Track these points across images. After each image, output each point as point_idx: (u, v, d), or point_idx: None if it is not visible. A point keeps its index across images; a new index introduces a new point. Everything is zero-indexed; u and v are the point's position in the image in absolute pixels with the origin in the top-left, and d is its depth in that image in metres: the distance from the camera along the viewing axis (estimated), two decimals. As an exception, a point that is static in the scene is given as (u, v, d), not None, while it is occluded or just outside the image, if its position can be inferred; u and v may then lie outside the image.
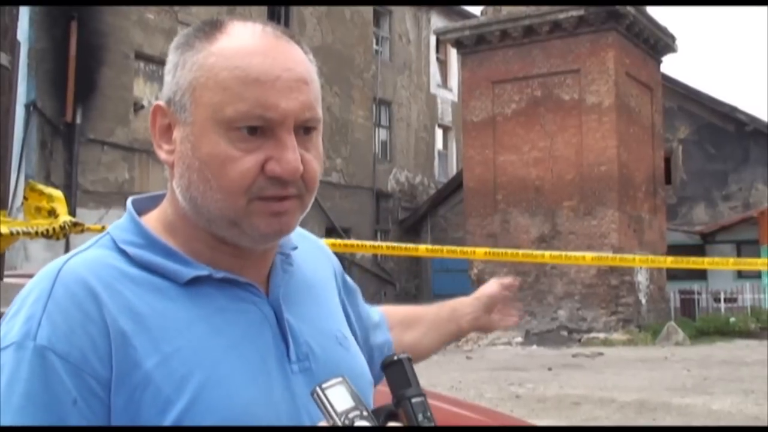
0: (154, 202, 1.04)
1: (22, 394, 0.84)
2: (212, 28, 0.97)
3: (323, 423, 0.83)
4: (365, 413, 0.83)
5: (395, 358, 0.91)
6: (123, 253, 0.95)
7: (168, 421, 0.87)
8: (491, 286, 1.52)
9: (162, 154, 0.98)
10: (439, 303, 1.55)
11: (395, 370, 0.90)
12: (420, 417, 0.86)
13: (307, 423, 0.94)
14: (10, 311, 0.91)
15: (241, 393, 0.91)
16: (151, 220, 1.00)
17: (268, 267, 1.03)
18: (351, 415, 0.82)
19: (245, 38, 0.95)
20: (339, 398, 0.83)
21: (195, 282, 0.95)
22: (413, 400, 0.87)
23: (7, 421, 0.83)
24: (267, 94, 0.91)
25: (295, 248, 1.08)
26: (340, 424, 0.81)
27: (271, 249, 1.02)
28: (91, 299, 0.88)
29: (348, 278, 1.25)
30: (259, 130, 0.92)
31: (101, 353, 0.87)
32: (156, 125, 0.98)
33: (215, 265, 0.97)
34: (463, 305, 1.52)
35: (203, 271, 0.95)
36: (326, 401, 0.83)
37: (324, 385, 0.84)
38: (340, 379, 0.85)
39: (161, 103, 0.98)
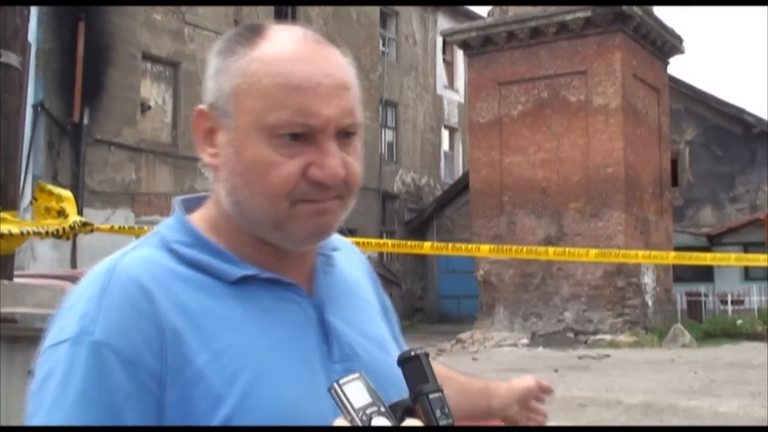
0: (199, 202, 1.06)
1: (78, 389, 0.86)
2: (253, 34, 0.98)
3: (341, 418, 0.84)
4: (382, 409, 0.83)
5: (412, 353, 0.91)
6: (173, 251, 0.97)
7: (219, 416, 0.89)
8: (528, 381, 1.49)
9: (206, 158, 1.00)
10: (469, 374, 1.53)
11: (412, 366, 0.90)
12: (438, 413, 0.87)
13: None
14: (64, 308, 0.93)
15: (289, 391, 0.93)
16: (198, 220, 1.02)
17: (309, 268, 1.05)
18: (368, 411, 0.82)
19: (286, 44, 0.96)
20: (356, 394, 0.84)
21: (242, 281, 0.97)
22: (431, 396, 0.88)
23: (62, 416, 0.86)
24: (309, 101, 0.93)
25: (336, 249, 1.11)
26: (357, 419, 0.82)
27: (311, 250, 1.04)
28: (145, 297, 0.91)
29: (388, 301, 1.26)
30: (301, 135, 0.93)
31: (154, 349, 0.89)
32: (199, 129, 1.00)
33: (259, 266, 0.99)
34: (497, 387, 1.48)
35: (250, 271, 0.97)
36: (344, 397, 0.83)
37: (341, 381, 0.84)
38: (357, 375, 0.86)
39: (204, 107, 0.99)
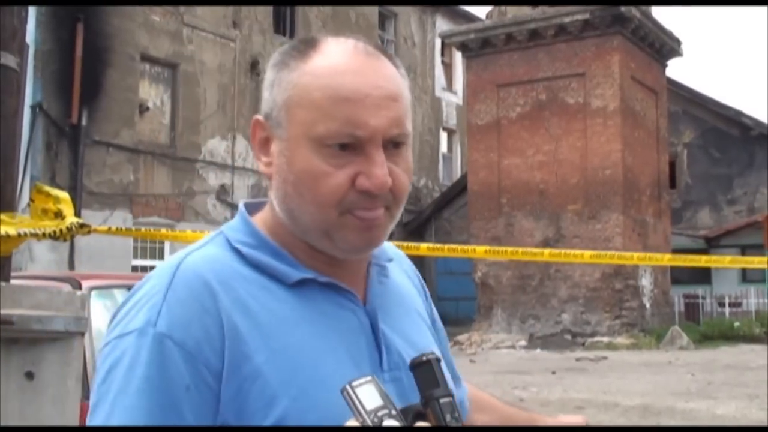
0: (259, 207, 1.09)
1: (142, 377, 0.90)
2: (306, 47, 1.01)
3: (352, 420, 0.85)
4: (394, 412, 0.84)
5: (424, 358, 0.92)
6: (236, 251, 1.01)
7: (273, 415, 0.91)
8: (577, 419, 1.42)
9: (261, 166, 1.04)
10: (515, 405, 1.50)
11: (424, 371, 0.92)
12: (448, 417, 0.88)
13: None
14: (131, 300, 0.97)
15: (341, 395, 0.93)
16: (259, 223, 1.06)
17: (363, 275, 1.08)
18: (380, 414, 0.84)
19: (337, 57, 0.99)
20: (368, 397, 0.85)
21: (300, 284, 1.00)
22: (441, 401, 0.89)
23: (127, 402, 0.89)
24: (357, 113, 0.96)
25: (391, 260, 1.14)
26: (369, 421, 0.83)
27: (365, 258, 1.07)
28: (208, 293, 0.94)
29: (436, 314, 1.28)
30: (349, 146, 0.96)
31: (215, 344, 0.92)
32: (256, 138, 1.04)
33: (316, 271, 1.02)
34: (543, 421, 1.44)
35: (309, 274, 1.01)
36: (356, 399, 0.85)
37: (354, 383, 0.86)
38: (369, 378, 0.87)
39: (260, 117, 1.04)
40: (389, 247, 1.17)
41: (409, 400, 0.97)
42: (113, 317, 0.98)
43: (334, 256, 1.02)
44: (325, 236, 0.99)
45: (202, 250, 1.01)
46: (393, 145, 0.99)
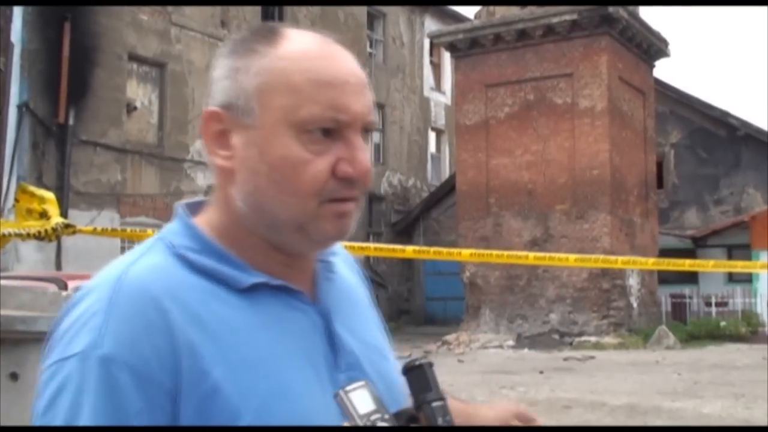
0: (199, 207, 1.03)
1: (90, 407, 0.84)
2: (272, 34, 0.97)
3: (346, 425, 0.85)
4: (387, 416, 0.85)
5: (416, 362, 0.92)
6: (180, 258, 0.94)
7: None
8: (510, 408, 1.28)
9: (218, 160, 0.96)
10: (449, 393, 1.39)
11: (416, 375, 0.92)
12: (440, 421, 0.88)
13: None
14: (69, 319, 0.90)
15: (303, 403, 0.91)
16: (203, 225, 0.99)
17: (311, 274, 1.03)
18: (373, 418, 0.84)
19: (309, 43, 0.97)
20: (361, 401, 0.85)
21: (252, 289, 0.94)
22: (434, 404, 0.89)
23: None
24: (339, 97, 0.93)
25: (334, 255, 1.09)
26: (362, 426, 0.83)
27: (313, 256, 1.03)
28: (156, 309, 0.88)
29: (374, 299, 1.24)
30: (329, 132, 0.93)
31: (166, 363, 0.86)
32: (210, 131, 0.97)
33: (268, 273, 0.97)
34: (476, 411, 1.29)
35: (261, 278, 0.95)
36: (349, 404, 0.85)
37: (347, 388, 0.86)
38: (363, 382, 0.87)
39: (216, 108, 0.96)
40: None
41: None
42: (50, 336, 0.91)
43: (294, 253, 0.98)
44: (297, 229, 0.94)
45: (144, 260, 0.93)
46: (364, 132, 0.97)
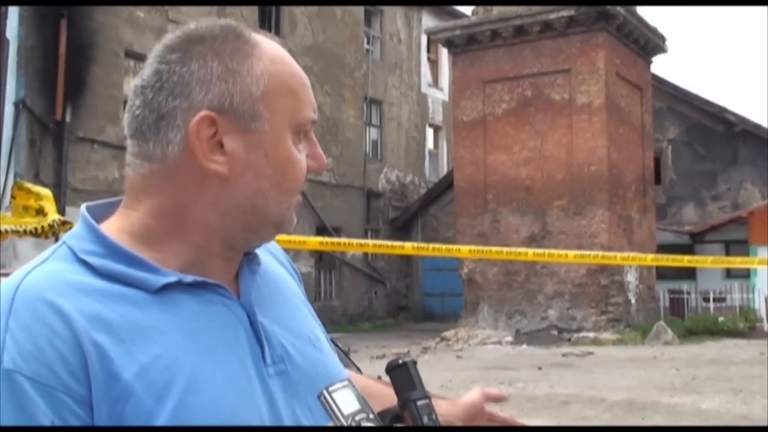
0: (111, 208, 1.00)
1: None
2: (244, 35, 0.96)
3: (330, 425, 0.84)
4: (371, 416, 0.84)
5: (400, 361, 0.92)
6: (84, 263, 0.91)
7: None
8: (473, 395, 1.30)
9: (214, 166, 0.93)
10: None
11: (400, 374, 0.91)
12: (425, 419, 0.88)
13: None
14: None
15: (225, 398, 0.89)
16: (113, 228, 0.96)
17: (236, 268, 1.01)
18: (357, 418, 0.83)
19: (276, 46, 1.00)
20: (345, 401, 0.84)
21: (164, 289, 0.92)
22: (418, 403, 0.88)
23: None
24: (312, 98, 1.00)
25: (258, 246, 1.06)
26: (346, 425, 0.82)
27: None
28: (56, 314, 0.84)
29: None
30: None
31: (74, 369, 0.83)
32: (204, 136, 0.93)
33: (193, 268, 0.94)
34: (438, 405, 1.22)
35: (172, 278, 0.92)
36: (333, 404, 0.84)
37: (331, 389, 0.85)
38: (345, 382, 0.86)
39: (210, 113, 0.93)
40: None
41: (298, 393, 0.94)
42: None
43: (241, 248, 0.98)
44: (274, 226, 0.98)
45: (42, 267, 0.90)
46: None
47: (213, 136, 0.93)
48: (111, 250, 0.92)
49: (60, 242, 0.96)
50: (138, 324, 0.88)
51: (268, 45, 0.98)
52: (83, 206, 0.99)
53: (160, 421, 0.84)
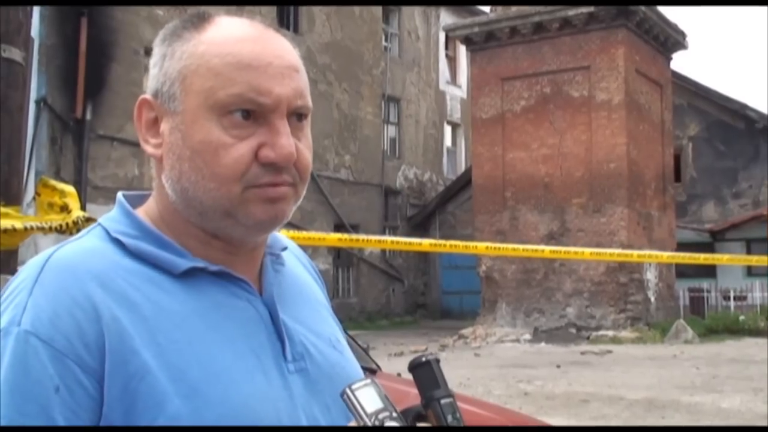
0: (142, 199, 1.02)
1: (3, 382, 0.82)
2: (200, 20, 0.98)
3: (353, 423, 0.84)
4: (395, 414, 0.84)
5: (423, 359, 0.91)
6: (117, 243, 0.94)
7: (165, 414, 0.85)
8: None
9: (149, 149, 0.96)
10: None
11: (424, 372, 0.91)
12: (449, 418, 0.87)
13: (304, 423, 0.93)
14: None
15: (239, 388, 0.89)
16: (141, 214, 0.99)
17: (258, 265, 1.02)
18: (381, 416, 0.83)
19: (234, 27, 0.96)
20: (368, 399, 0.84)
21: (190, 274, 0.93)
22: (442, 402, 0.88)
23: None
24: (260, 79, 0.91)
25: (285, 248, 1.07)
26: (370, 424, 0.82)
27: (260, 246, 1.02)
28: (79, 286, 0.87)
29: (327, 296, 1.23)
30: (252, 116, 0.91)
31: (88, 340, 0.84)
32: (142, 119, 0.97)
33: (208, 260, 0.95)
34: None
35: (199, 263, 0.94)
36: (356, 402, 0.84)
37: (354, 386, 0.84)
38: (369, 380, 0.86)
39: (147, 96, 0.97)
40: (282, 236, 1.10)
41: (316, 391, 0.96)
42: None
43: (232, 240, 0.96)
44: (226, 215, 0.93)
45: (76, 243, 0.93)
46: (297, 117, 0.95)
47: (154, 120, 0.96)
48: (144, 232, 0.95)
49: (95, 223, 0.99)
50: (161, 306, 0.90)
51: (224, 26, 0.96)
52: (120, 193, 1.02)
53: (173, 404, 0.85)
